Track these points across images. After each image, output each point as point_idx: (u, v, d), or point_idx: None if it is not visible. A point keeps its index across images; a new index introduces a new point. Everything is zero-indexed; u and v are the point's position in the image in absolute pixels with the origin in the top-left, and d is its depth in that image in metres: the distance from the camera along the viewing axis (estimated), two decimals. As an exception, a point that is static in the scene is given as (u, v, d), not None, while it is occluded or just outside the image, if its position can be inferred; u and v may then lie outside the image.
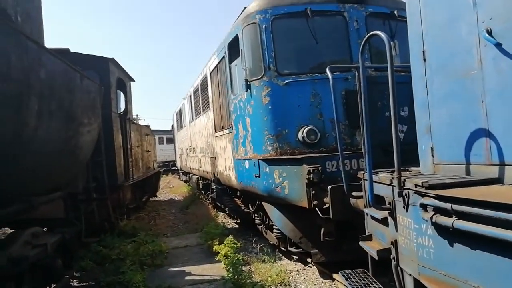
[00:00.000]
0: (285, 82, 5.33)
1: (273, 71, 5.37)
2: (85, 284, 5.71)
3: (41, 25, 5.25)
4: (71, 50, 7.34)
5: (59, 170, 5.08)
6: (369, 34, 3.13)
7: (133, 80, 10.64)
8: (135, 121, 11.79)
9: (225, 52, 6.81)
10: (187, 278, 5.55)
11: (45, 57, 4.18)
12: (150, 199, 14.41)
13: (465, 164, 2.66)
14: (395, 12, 5.56)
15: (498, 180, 2.40)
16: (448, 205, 2.14)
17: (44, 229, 5.18)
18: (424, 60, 3.02)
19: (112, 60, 8.35)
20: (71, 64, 5.00)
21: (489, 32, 2.30)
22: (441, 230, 2.30)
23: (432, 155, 2.99)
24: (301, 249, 5.57)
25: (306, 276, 5.43)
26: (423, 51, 3.02)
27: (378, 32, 3.01)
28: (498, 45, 2.26)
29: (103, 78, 7.68)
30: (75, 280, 5.86)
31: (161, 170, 18.29)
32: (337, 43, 5.55)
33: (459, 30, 2.60)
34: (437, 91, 2.91)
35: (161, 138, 32.53)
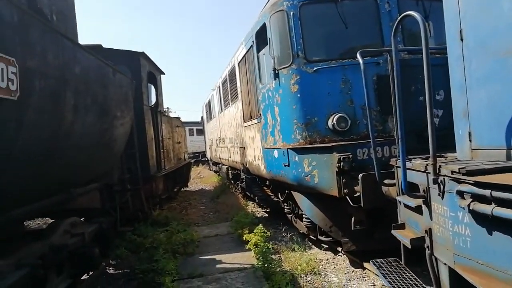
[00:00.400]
0: (314, 69, 5.23)
1: (302, 58, 5.28)
2: (120, 271, 5.93)
3: (75, 23, 5.41)
4: (104, 46, 7.54)
5: (95, 163, 5.25)
6: (402, 15, 3.00)
7: (163, 73, 10.81)
8: (166, 114, 12.00)
9: (253, 41, 6.77)
10: (218, 266, 5.64)
11: (79, 54, 4.31)
12: (182, 189, 14.70)
13: (506, 148, 2.51)
14: (429, -9, 5.32)
15: (543, 165, 2.26)
16: (487, 192, 2.03)
17: (82, 219, 5.41)
18: (462, 40, 2.87)
19: (142, 54, 8.51)
20: (104, 59, 5.13)
21: (534, 6, 2.14)
22: (479, 218, 2.19)
23: (470, 140, 2.85)
24: (331, 238, 5.52)
25: (337, 265, 5.39)
26: (460, 31, 2.86)
27: (411, 12, 2.88)
28: (544, 20, 2.10)
29: (134, 72, 7.84)
30: (111, 268, 6.10)
31: (192, 161, 18.58)
32: (367, 26, 5.38)
33: (500, 6, 2.43)
34: (475, 72, 2.76)
35: (191, 130, 32.99)
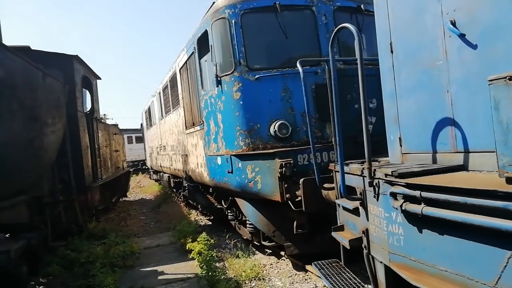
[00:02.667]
0: (256, 77, 5.31)
1: (244, 66, 5.33)
2: (52, 290, 5.49)
3: (-2, 22, 4.99)
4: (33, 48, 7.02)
5: (22, 173, 4.85)
6: (339, 27, 3.16)
7: (99, 78, 10.32)
8: (102, 120, 11.44)
9: (195, 47, 6.71)
10: (160, 277, 5.45)
11: (2, 55, 3.97)
12: (120, 199, 14.07)
13: (431, 152, 2.74)
14: (362, 6, 5.65)
15: (463, 167, 2.49)
16: (417, 193, 2.19)
17: (7, 235, 4.95)
18: (392, 52, 3.08)
19: (76, 57, 8.05)
20: (33, 62, 4.78)
21: (453, 23, 2.37)
22: (411, 218, 2.36)
23: (400, 145, 3.06)
24: (274, 243, 5.60)
25: (280, 269, 5.47)
26: (391, 43, 3.08)
27: (347, 24, 3.04)
28: (462, 36, 2.33)
29: (67, 76, 7.40)
30: (41, 287, 5.62)
31: (131, 169, 17.88)
32: (306, 37, 5.57)
33: (424, 22, 2.66)
34: (404, 82, 2.98)
35: (130, 137, 31.77)
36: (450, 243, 2.08)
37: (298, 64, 4.07)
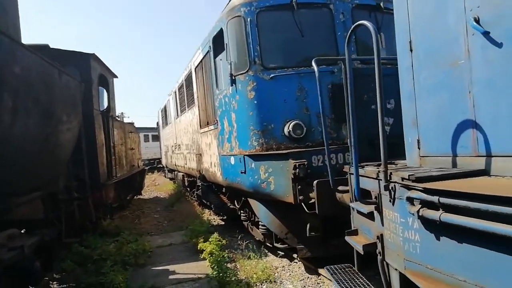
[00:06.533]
0: (270, 76, 5.23)
1: (259, 65, 5.27)
2: (65, 286, 5.54)
3: (18, 20, 5.07)
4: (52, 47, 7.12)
5: (38, 169, 4.89)
6: (355, 24, 3.06)
7: (116, 77, 10.41)
8: (118, 119, 11.55)
9: (210, 46, 6.68)
10: (171, 277, 5.44)
11: (19, 52, 4.00)
12: (135, 197, 14.19)
13: (451, 156, 2.61)
14: (381, 4, 5.52)
15: (485, 172, 2.36)
16: (435, 198, 2.08)
17: (22, 231, 5.01)
18: (411, 50, 2.97)
19: (93, 56, 8.11)
20: (49, 60, 4.82)
21: (477, 20, 2.25)
22: (428, 224, 2.24)
23: (419, 148, 2.94)
24: (287, 245, 5.51)
25: (292, 271, 5.38)
26: (410, 42, 2.96)
27: (364, 22, 2.94)
28: (486, 34, 2.21)
29: (84, 74, 7.47)
30: (55, 282, 5.69)
31: (146, 168, 18.03)
32: (323, 36, 5.47)
33: (446, 19, 2.54)
34: (424, 82, 2.86)
35: (146, 136, 32.12)
36: (469, 252, 1.96)
37: (313, 63, 3.99)
